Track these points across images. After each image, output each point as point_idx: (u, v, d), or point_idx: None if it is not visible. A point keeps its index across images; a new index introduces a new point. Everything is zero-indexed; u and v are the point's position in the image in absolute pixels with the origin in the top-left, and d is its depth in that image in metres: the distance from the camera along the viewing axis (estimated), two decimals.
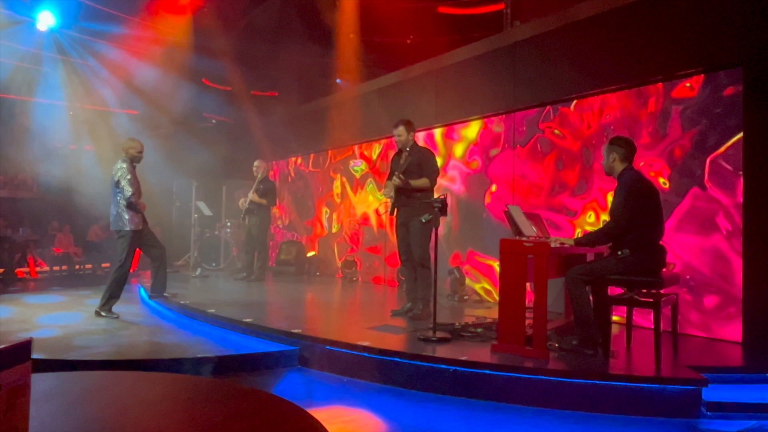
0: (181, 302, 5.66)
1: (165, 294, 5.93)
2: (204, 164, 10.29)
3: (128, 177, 5.22)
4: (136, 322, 5.18)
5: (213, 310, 5.19)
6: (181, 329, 4.92)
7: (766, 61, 4.13)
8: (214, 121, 11.62)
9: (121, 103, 9.88)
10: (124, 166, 5.27)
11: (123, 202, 5.23)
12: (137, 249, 5.51)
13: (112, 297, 5.28)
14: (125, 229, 5.24)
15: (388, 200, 5.19)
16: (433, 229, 4.38)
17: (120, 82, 9.71)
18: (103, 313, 5.25)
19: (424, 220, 4.66)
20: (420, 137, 7.54)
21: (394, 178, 4.97)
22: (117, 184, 5.24)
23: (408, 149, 5.08)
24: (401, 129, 5.10)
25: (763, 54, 4.15)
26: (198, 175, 10.11)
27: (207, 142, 10.61)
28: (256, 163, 8.13)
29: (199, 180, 9.81)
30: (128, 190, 5.19)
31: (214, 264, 9.65)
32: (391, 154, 8.08)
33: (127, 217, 5.24)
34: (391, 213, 5.19)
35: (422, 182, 4.96)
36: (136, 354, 3.92)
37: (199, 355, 3.90)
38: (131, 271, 6.42)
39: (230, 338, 4.53)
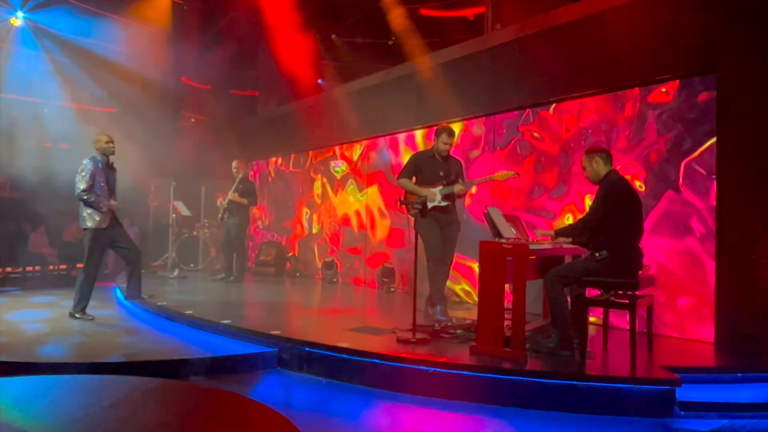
0: (159, 304, 5.59)
1: (141, 295, 5.84)
2: (183, 164, 10.17)
3: (83, 173, 5.07)
4: (111, 323, 5.10)
5: (191, 312, 5.13)
6: (158, 331, 4.86)
7: (739, 68, 4.22)
8: (193, 119, 11.49)
9: (97, 100, 9.71)
10: (85, 162, 5.12)
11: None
12: (107, 249, 5.39)
13: (82, 298, 5.17)
14: (87, 227, 5.13)
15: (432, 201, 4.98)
16: None
17: (97, 79, 9.55)
18: (77, 315, 5.15)
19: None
20: (401, 139, 7.56)
21: (458, 185, 4.95)
22: None
23: (449, 156, 5.15)
24: (453, 140, 5.15)
25: (735, 60, 4.25)
26: (176, 174, 9.99)
27: (186, 142, 10.49)
28: (234, 164, 8.06)
29: (178, 180, 9.69)
30: (79, 186, 5.03)
31: (192, 265, 9.55)
32: (373, 155, 8.13)
33: (84, 214, 5.11)
34: (422, 214, 4.76)
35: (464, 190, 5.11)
36: (110, 356, 3.85)
37: (175, 358, 3.86)
38: (106, 272, 6.31)
39: (208, 340, 4.48)
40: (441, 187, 5.01)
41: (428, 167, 5.12)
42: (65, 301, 6.01)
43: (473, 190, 5.20)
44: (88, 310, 5.22)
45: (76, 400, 1.63)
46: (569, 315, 3.83)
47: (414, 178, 5.15)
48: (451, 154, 5.16)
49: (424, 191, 5.01)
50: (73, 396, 1.69)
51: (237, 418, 1.46)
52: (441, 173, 5.05)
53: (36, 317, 5.33)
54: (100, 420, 1.47)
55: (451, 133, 5.07)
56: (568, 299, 3.91)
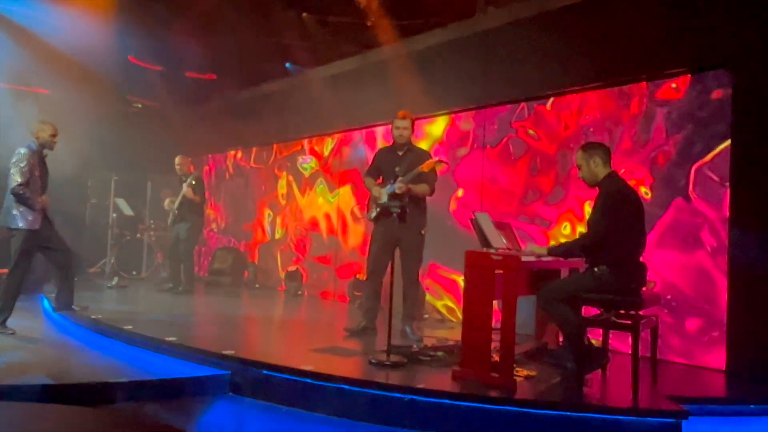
0: (93, 317, 5.49)
1: (73, 307, 5.71)
2: (126, 155, 9.99)
3: (22, 164, 4.97)
4: (35, 339, 4.98)
5: (130, 327, 5.04)
6: (91, 349, 4.76)
7: (758, 63, 4.29)
8: (140, 105, 11.31)
9: (28, 80, 9.49)
10: (23, 151, 5.03)
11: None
12: (37, 252, 5.27)
13: (3, 309, 5.03)
14: (18, 227, 5.00)
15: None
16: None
17: (28, 55, 9.32)
18: None
19: (423, 233, 4.67)
20: (379, 133, 7.54)
21: (398, 184, 4.78)
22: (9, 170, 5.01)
23: (406, 148, 5.04)
24: (408, 122, 5.01)
25: (754, 55, 4.32)
26: (119, 167, 9.82)
27: (131, 130, 10.31)
28: (177, 160, 7.91)
29: (120, 174, 9.52)
30: (15, 179, 4.93)
31: (134, 272, 9.42)
32: (346, 151, 8.10)
33: (16, 212, 4.99)
34: (374, 219, 5.04)
35: (422, 189, 4.91)
36: (31, 378, 3.74)
37: (111, 381, 3.76)
38: (32, 279, 6.14)
39: (150, 360, 4.40)
40: (388, 186, 4.92)
41: (386, 163, 5.06)
42: None
43: (398, 188, 5.00)
44: (9, 323, 5.07)
45: None
46: (580, 327, 3.80)
47: (380, 177, 5.12)
48: (412, 143, 5.10)
49: (375, 191, 4.96)
50: None
51: None
52: (397, 169, 4.89)
53: None
54: None
55: (403, 118, 5.01)
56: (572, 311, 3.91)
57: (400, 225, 4.48)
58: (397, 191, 4.79)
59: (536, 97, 5.82)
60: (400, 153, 5.05)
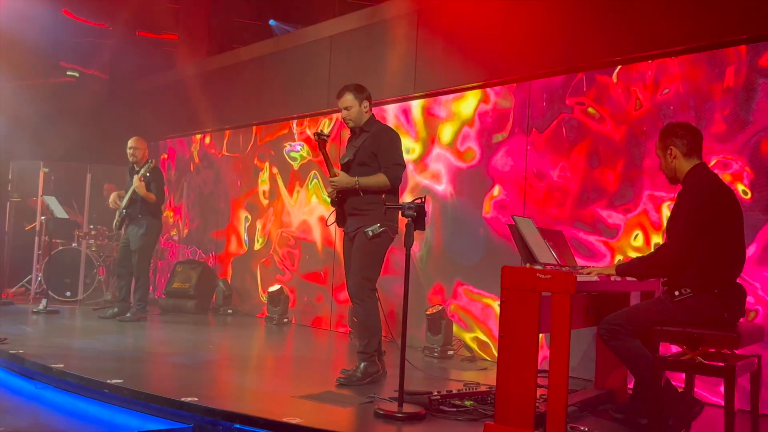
0: (12, 351, 5.52)
1: None
2: (60, 139, 10.06)
3: None
4: None
5: (62, 366, 5.06)
6: (10, 394, 4.80)
7: None
8: (77, 74, 11.39)
9: None
10: None
11: None
12: None
13: None
14: None
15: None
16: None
17: None
18: None
19: (370, 233, 4.77)
20: (390, 112, 7.54)
21: (334, 172, 5.02)
22: None
23: (361, 128, 5.15)
24: (349, 97, 5.13)
25: None
26: (49, 155, 9.89)
27: (66, 106, 10.39)
28: (131, 143, 7.93)
29: (51, 163, 9.59)
30: None
31: (68, 293, 9.46)
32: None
33: None
34: (340, 224, 5.23)
35: (375, 180, 5.02)
36: None
37: None
38: None
39: (87, 410, 4.43)
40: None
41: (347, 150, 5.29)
42: None
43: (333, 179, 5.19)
44: None
45: None
46: (656, 366, 3.77)
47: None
48: (369, 124, 5.20)
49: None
50: None
51: None
52: (347, 158, 5.15)
53: None
54: None
55: (339, 94, 5.17)
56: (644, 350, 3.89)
57: (354, 223, 5.02)
58: (334, 182, 5.02)
59: (597, 64, 5.79)
60: (356, 143, 5.18)
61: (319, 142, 5.06)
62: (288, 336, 7.63)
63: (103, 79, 11.45)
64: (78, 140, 10.33)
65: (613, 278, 4.09)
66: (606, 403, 4.53)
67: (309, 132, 8.53)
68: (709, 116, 5.14)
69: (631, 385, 4.53)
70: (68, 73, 11.23)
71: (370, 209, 5.00)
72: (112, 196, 8.02)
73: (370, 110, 5.26)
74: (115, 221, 7.99)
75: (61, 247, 9.49)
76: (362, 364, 5.02)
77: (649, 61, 5.51)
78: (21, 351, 5.55)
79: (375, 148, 5.07)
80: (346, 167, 5.12)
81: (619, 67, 5.69)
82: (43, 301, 8.45)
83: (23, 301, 9.32)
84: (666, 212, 5.19)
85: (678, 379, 4.51)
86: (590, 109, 5.86)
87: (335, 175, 5.01)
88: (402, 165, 5.17)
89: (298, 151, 8.69)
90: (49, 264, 9.27)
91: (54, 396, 4.73)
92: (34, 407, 4.50)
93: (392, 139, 5.19)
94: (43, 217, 9.28)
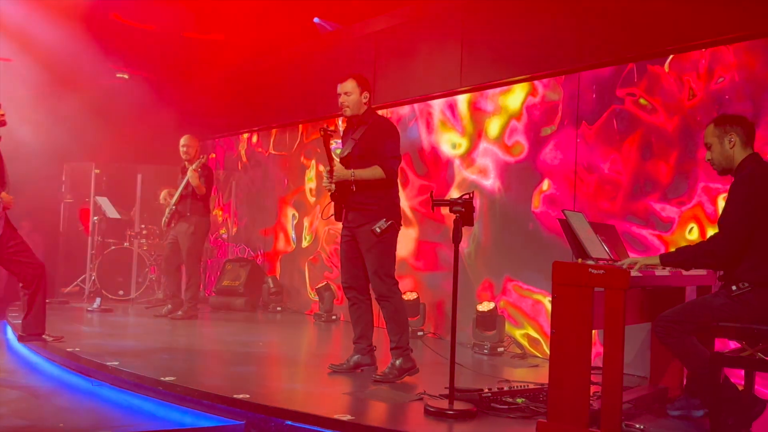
0: (69, 350, 5.61)
1: (44, 336, 5.87)
2: (110, 140, 10.22)
3: None
4: None
5: (116, 363, 5.14)
6: (66, 391, 4.84)
7: None
8: (126, 76, 11.56)
9: None
10: None
11: None
12: None
13: None
14: None
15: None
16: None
17: None
18: None
19: (378, 230, 4.79)
20: (436, 107, 7.52)
21: (335, 165, 5.06)
22: None
23: (359, 120, 5.18)
24: (351, 84, 5.15)
25: None
26: (101, 156, 10.05)
27: (115, 108, 10.55)
28: (184, 141, 8.03)
29: (103, 165, 9.75)
30: None
31: (121, 292, 9.61)
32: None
33: None
34: (337, 218, 5.25)
35: (371, 173, 5.02)
36: None
37: None
38: None
39: (141, 406, 4.48)
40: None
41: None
42: None
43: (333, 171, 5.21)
44: None
45: None
46: (713, 362, 3.73)
47: None
48: (368, 115, 5.22)
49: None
50: None
51: None
52: (346, 151, 5.17)
53: None
54: None
55: (342, 80, 5.20)
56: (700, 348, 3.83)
57: (354, 218, 5.10)
58: (336, 173, 5.06)
59: (649, 54, 5.71)
60: (355, 136, 5.18)
61: (324, 136, 5.10)
62: (335, 333, 7.66)
63: (151, 80, 11.61)
64: (129, 142, 10.49)
65: (658, 270, 4.02)
66: (661, 400, 4.46)
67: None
68: (766, 106, 5.04)
69: (686, 383, 4.47)
70: (118, 75, 11.40)
71: (373, 204, 5.02)
72: (163, 193, 8.15)
73: (369, 103, 5.28)
74: (164, 218, 8.11)
75: (113, 247, 9.66)
76: (398, 361, 5.02)
77: (703, 50, 5.42)
78: (77, 349, 5.65)
79: (373, 140, 5.09)
80: (345, 161, 5.13)
81: (671, 56, 5.61)
82: (97, 300, 8.60)
83: (78, 300, 9.49)
84: (722, 204, 5.10)
85: (737, 376, 4.43)
86: (642, 100, 5.78)
87: (335, 168, 5.06)
88: (398, 158, 5.20)
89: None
90: (102, 263, 9.45)
91: (110, 393, 4.80)
92: (90, 404, 4.56)
93: (391, 131, 5.21)
94: (95, 218, 9.43)
